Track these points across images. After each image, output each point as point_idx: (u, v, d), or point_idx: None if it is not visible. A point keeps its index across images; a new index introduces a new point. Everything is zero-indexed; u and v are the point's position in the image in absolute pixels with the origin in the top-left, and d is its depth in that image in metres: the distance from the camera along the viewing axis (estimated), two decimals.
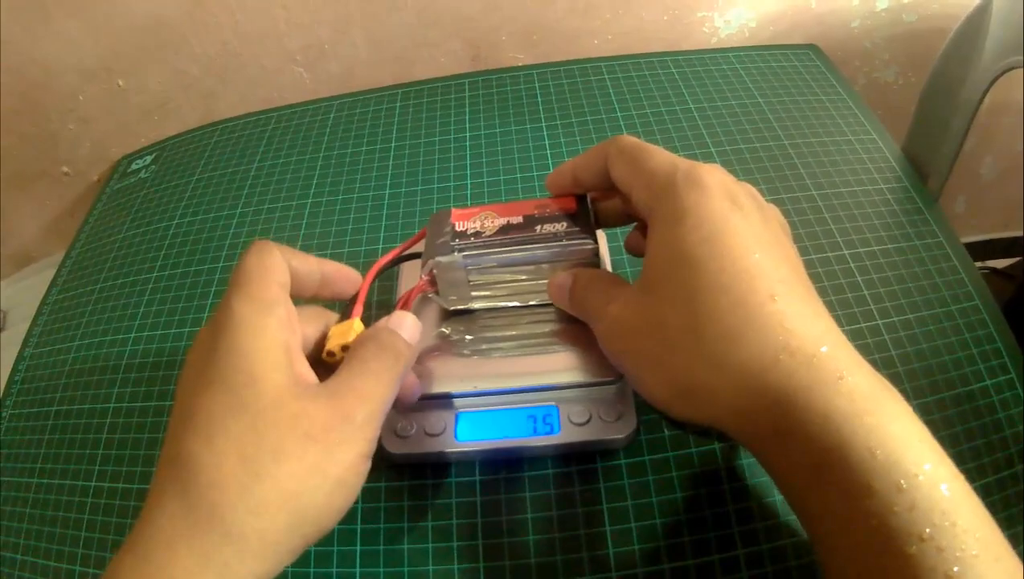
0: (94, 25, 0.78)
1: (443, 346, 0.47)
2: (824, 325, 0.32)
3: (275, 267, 0.36)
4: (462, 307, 0.48)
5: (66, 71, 0.81)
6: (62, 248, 0.76)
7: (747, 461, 0.44)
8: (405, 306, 0.46)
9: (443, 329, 0.48)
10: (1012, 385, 0.47)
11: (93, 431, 0.54)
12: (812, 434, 0.29)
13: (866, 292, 0.52)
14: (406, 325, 0.38)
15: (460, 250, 0.44)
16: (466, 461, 0.46)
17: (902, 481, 0.27)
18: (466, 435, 0.44)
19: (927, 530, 0.26)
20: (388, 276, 0.53)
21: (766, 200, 0.37)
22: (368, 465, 0.34)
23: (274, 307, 0.34)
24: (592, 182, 0.42)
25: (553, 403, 0.45)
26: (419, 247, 0.48)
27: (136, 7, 0.77)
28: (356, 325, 0.39)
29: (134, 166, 0.82)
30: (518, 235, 0.44)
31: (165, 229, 0.70)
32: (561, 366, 0.45)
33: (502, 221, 0.45)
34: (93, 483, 0.51)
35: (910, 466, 0.27)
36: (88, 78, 0.82)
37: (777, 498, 0.42)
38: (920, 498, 0.27)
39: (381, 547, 0.44)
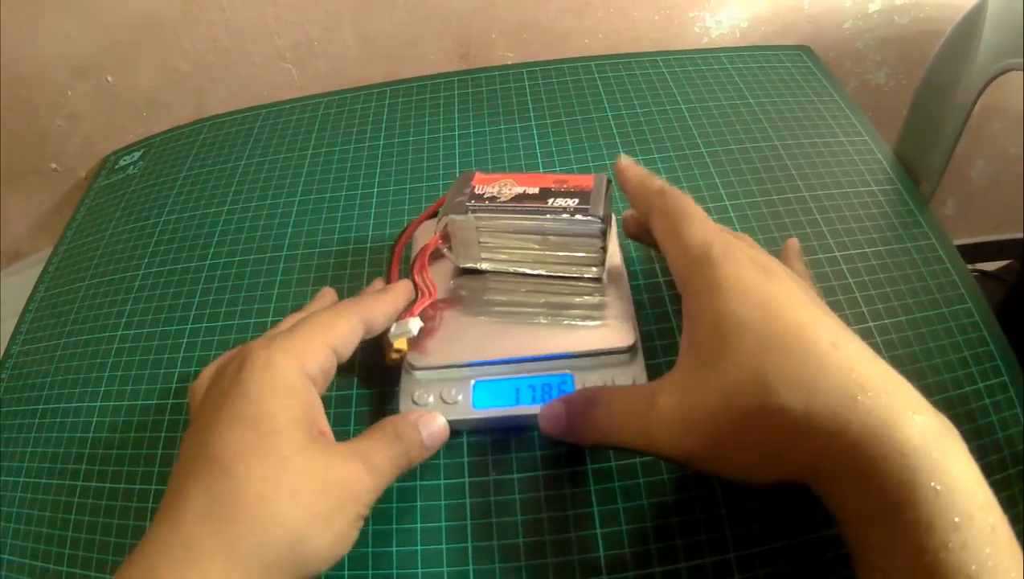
0: (86, 21, 0.78)
1: (455, 305, 0.49)
2: (884, 366, 0.32)
3: (336, 328, 0.41)
4: (472, 265, 0.50)
5: (57, 67, 0.81)
6: (50, 244, 0.75)
7: None
8: (422, 263, 0.49)
9: (456, 285, 0.50)
10: (1005, 388, 0.47)
11: (80, 430, 0.53)
12: (889, 469, 0.29)
13: (858, 294, 0.52)
14: (431, 427, 0.42)
15: (474, 211, 0.47)
16: (478, 430, 0.47)
17: (958, 519, 0.28)
18: (483, 403, 0.45)
19: (973, 568, 0.27)
20: None
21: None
22: (362, 526, 0.37)
23: (312, 369, 0.39)
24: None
25: (568, 371, 0.45)
26: None
27: (128, 3, 0.77)
28: (412, 325, 0.45)
29: (122, 162, 0.82)
30: (530, 205, 0.46)
31: (153, 226, 0.69)
32: (575, 334, 0.46)
33: (519, 189, 0.47)
34: (80, 483, 0.50)
35: (966, 505, 0.28)
36: (78, 74, 0.82)
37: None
38: (971, 537, 0.28)
39: (369, 528, 0.43)
